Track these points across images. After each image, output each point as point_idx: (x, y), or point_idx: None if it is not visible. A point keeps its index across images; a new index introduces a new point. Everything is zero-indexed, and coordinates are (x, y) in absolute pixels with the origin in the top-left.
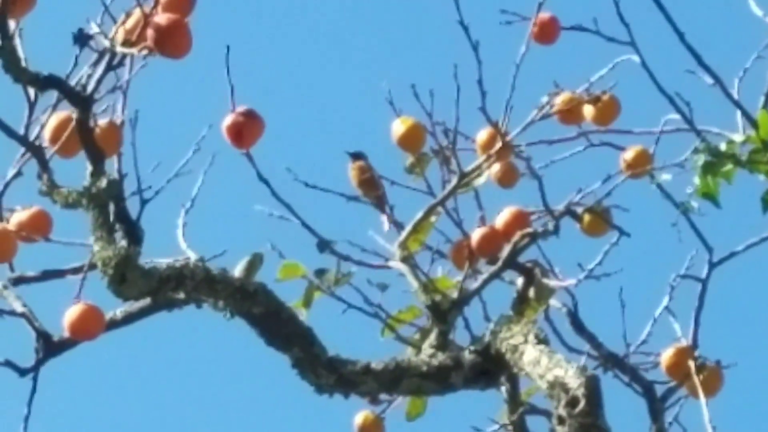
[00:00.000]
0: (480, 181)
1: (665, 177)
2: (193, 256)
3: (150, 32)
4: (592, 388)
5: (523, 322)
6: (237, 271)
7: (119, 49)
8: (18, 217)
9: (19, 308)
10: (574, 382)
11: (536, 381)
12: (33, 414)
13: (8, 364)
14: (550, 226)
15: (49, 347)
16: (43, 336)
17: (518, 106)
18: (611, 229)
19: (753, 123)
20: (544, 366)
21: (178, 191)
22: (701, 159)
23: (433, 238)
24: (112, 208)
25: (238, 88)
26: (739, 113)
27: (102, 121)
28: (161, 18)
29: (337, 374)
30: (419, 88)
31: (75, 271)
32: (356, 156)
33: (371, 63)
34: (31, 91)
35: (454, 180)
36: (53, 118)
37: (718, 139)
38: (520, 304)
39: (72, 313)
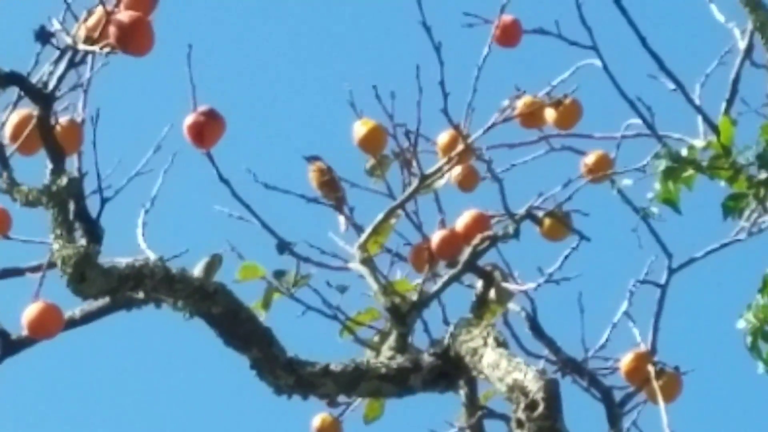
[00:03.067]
0: (440, 184)
1: (626, 182)
2: (152, 256)
3: (112, 30)
4: (552, 391)
5: (482, 325)
6: (196, 271)
7: (81, 46)
8: None
9: None
10: (534, 386)
11: (495, 384)
12: None
13: None
14: (511, 229)
15: (7, 346)
16: (0, 334)
17: (480, 109)
18: (571, 233)
19: (714, 129)
20: (504, 369)
21: (138, 190)
22: (662, 164)
23: (392, 241)
24: (72, 206)
25: (199, 88)
26: (700, 119)
27: (63, 119)
28: (123, 15)
29: (295, 375)
30: (380, 90)
31: (34, 269)
32: (313, 159)
33: (332, 64)
34: None
35: (415, 182)
36: (14, 115)
37: (679, 144)
38: (480, 307)
39: (30, 311)
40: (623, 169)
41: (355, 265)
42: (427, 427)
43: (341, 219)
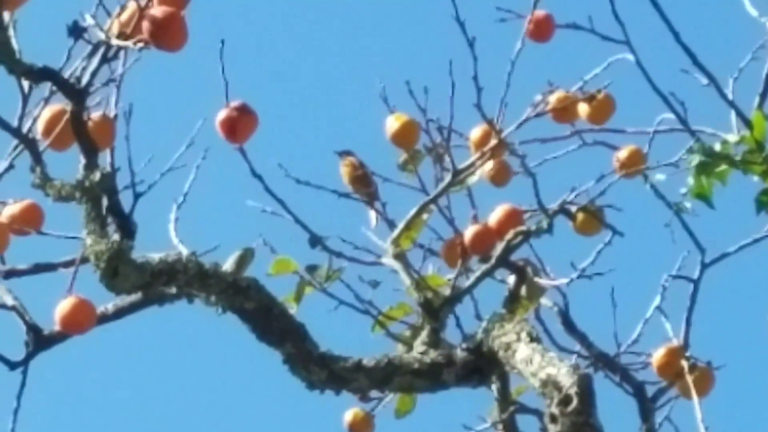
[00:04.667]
0: (473, 179)
1: (659, 177)
2: (185, 251)
3: (145, 25)
4: (585, 386)
5: (515, 320)
6: (227, 265)
7: (114, 41)
8: (10, 210)
9: (10, 301)
10: (567, 381)
11: (528, 379)
12: (22, 407)
13: None
14: (544, 224)
15: (40, 341)
16: (33, 329)
17: (513, 104)
18: (604, 228)
19: (747, 123)
20: (537, 364)
21: (171, 185)
22: (695, 159)
23: (425, 236)
24: (104, 201)
25: (232, 83)
26: (733, 113)
27: (95, 114)
28: (157, 11)
29: (328, 370)
30: (413, 85)
31: (67, 264)
32: (345, 154)
33: (365, 59)
34: (25, 83)
35: (448, 177)
36: (47, 110)
37: (713, 139)
38: (512, 302)
39: (63, 306)
40: (656, 164)
41: (388, 260)
42: (459, 421)
43: (373, 214)
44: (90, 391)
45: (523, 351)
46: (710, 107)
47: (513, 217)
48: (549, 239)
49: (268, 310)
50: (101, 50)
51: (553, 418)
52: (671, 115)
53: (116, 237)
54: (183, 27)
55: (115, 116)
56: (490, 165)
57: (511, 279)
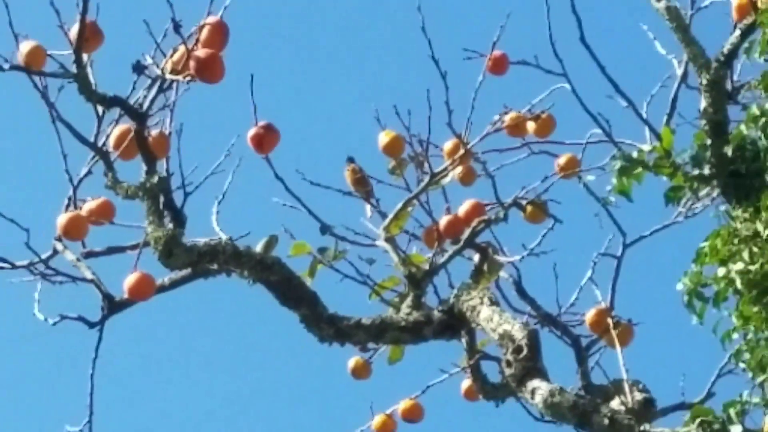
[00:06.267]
0: (446, 180)
1: (589, 178)
2: (224, 237)
3: (192, 63)
4: (533, 339)
5: (479, 289)
6: (257, 247)
7: (168, 76)
8: (89, 205)
9: (89, 276)
10: (519, 335)
11: (489, 334)
12: (99, 357)
13: (81, 318)
14: (501, 214)
15: (112, 306)
16: (107, 297)
17: (476, 122)
18: (547, 217)
19: (658, 136)
20: (496, 322)
21: (213, 186)
22: (618, 164)
23: (409, 224)
24: (161, 199)
25: (259, 107)
26: (647, 129)
27: (154, 132)
28: (201, 52)
29: (335, 328)
30: (400, 108)
31: (133, 247)
32: (350, 159)
33: (364, 90)
34: (100, 109)
35: (426, 179)
36: (116, 129)
37: (631, 148)
38: (477, 275)
39: (130, 279)
40: (587, 168)
41: (381, 243)
42: (437, 367)
43: (369, 208)
44: (151, 347)
45: (485, 312)
46: (629, 124)
47: (477, 209)
48: (505, 226)
49: (288, 281)
50: (158, 83)
51: (509, 364)
52: (599, 131)
53: (170, 226)
54: (221, 65)
55: (169, 133)
56: (459, 169)
57: (476, 257)
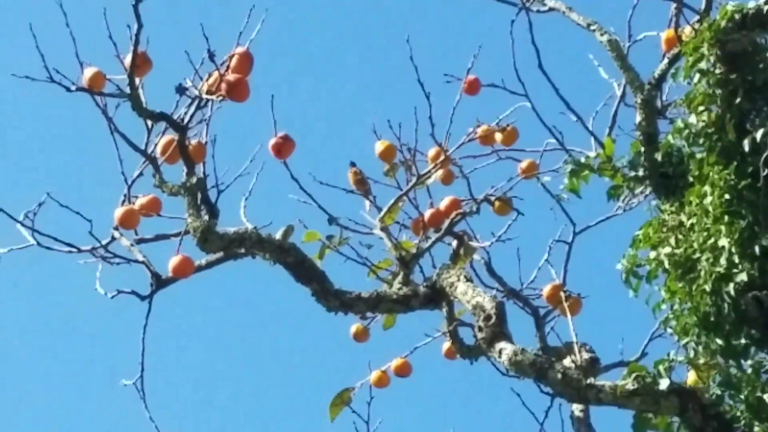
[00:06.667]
0: (430, 181)
1: (546, 179)
2: (250, 226)
3: (223, 86)
4: (500, 309)
5: (456, 268)
6: (277, 235)
7: (204, 96)
8: (140, 201)
9: (141, 258)
10: (489, 305)
11: (465, 305)
12: (148, 325)
13: (134, 293)
14: (474, 208)
15: (159, 283)
16: (155, 276)
17: (454, 134)
18: (512, 210)
19: (601, 145)
20: (470, 295)
21: (241, 185)
22: (569, 167)
23: (400, 216)
24: (199, 195)
25: (279, 121)
26: (592, 139)
27: (193, 141)
28: (230, 77)
29: (339, 300)
30: (392, 122)
31: (176, 235)
32: (352, 164)
33: (362, 107)
34: (149, 122)
35: (414, 180)
36: (163, 139)
37: (580, 155)
38: (455, 257)
39: (174, 260)
40: (544, 171)
41: (377, 232)
42: (422, 331)
43: (367, 203)
44: (191, 315)
45: (461, 287)
46: (578, 135)
47: (455, 204)
48: (477, 218)
49: (302, 262)
50: (196, 101)
51: (480, 329)
52: (554, 140)
53: (206, 218)
54: (247, 87)
55: (205, 143)
56: (440, 172)
57: (454, 243)
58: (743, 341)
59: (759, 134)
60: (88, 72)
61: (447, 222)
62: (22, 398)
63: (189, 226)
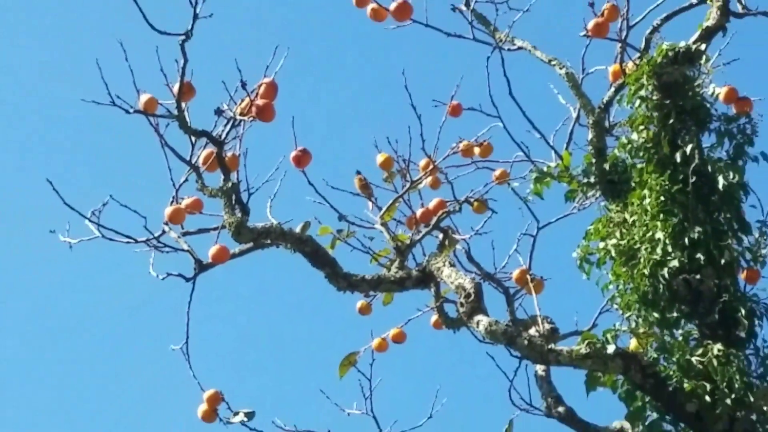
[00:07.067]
0: (421, 186)
1: (515, 184)
2: (275, 222)
3: (253, 109)
4: (478, 288)
5: (442, 256)
6: (297, 229)
7: (238, 117)
8: (186, 201)
9: (186, 247)
10: (469, 285)
11: (449, 285)
12: (192, 302)
13: (180, 275)
14: (457, 208)
15: (201, 267)
16: (197, 261)
17: (441, 148)
18: (488, 210)
19: (560, 157)
20: (454, 277)
21: (268, 189)
22: (534, 175)
23: (397, 214)
24: (233, 197)
25: (298, 137)
26: (553, 152)
27: (229, 153)
28: (259, 101)
29: (348, 281)
30: (390, 138)
31: (215, 229)
32: (358, 172)
33: (366, 125)
34: (192, 138)
35: (408, 185)
36: (204, 151)
37: (543, 165)
38: (441, 247)
39: (213, 249)
40: (514, 178)
41: (378, 227)
42: (414, 307)
43: (370, 204)
44: (228, 294)
45: (446, 271)
46: (541, 149)
47: (441, 205)
48: (460, 216)
49: (317, 251)
50: (231, 121)
51: (462, 305)
52: (521, 153)
53: (239, 215)
54: (273, 110)
55: (239, 155)
56: (429, 179)
57: (441, 236)
58: (675, 315)
59: (688, 149)
60: (143, 98)
61: (435, 219)
62: (92, 362)
63: (225, 221)
